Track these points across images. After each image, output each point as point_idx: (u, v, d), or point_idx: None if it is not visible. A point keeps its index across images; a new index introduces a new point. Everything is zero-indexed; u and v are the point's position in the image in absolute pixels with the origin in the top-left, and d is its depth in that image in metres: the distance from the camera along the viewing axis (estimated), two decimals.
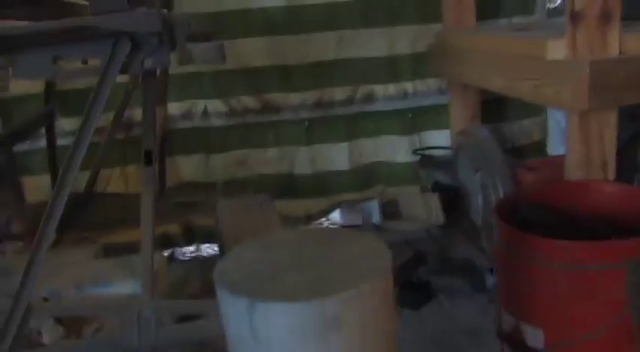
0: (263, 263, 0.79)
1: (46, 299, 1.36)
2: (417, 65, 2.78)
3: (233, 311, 0.68)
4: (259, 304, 0.65)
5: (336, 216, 3.36)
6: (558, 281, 1.42)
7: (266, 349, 0.65)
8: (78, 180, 2.30)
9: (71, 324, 1.69)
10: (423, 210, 2.26)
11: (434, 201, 2.28)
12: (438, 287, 2.26)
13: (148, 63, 1.35)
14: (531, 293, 1.47)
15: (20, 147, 2.43)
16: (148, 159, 1.46)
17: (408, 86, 2.81)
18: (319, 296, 0.65)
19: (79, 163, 1.32)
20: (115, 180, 2.76)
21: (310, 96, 2.77)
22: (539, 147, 3.00)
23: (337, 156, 2.89)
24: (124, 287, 1.58)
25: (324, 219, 3.49)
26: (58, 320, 1.89)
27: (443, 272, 2.29)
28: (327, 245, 0.82)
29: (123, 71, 1.35)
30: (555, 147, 2.89)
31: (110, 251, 1.77)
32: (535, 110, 2.93)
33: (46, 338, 1.82)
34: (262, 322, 0.66)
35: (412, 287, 2.20)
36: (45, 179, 2.42)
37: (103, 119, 2.01)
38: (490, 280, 2.05)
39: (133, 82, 2.22)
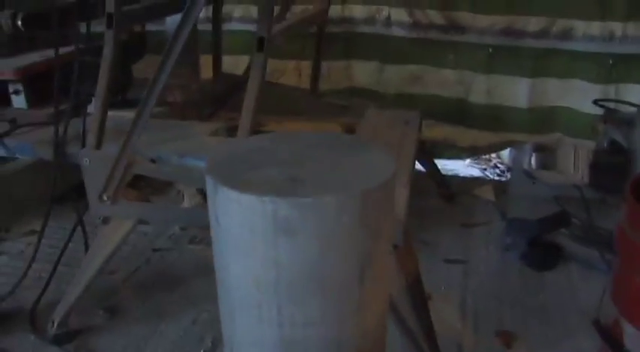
0: (259, 154, 0.91)
1: (153, 161, 1.68)
2: (633, 4, 2.62)
3: (208, 191, 0.85)
4: (220, 188, 0.79)
5: (505, 155, 3.39)
6: None
7: (225, 237, 0.84)
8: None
9: None
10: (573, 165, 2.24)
11: (583, 156, 2.24)
12: (572, 254, 2.26)
13: None
14: None
15: None
16: (260, 46, 1.65)
17: (617, 27, 2.70)
18: (276, 196, 0.75)
19: (181, 44, 1.56)
20: (290, 73, 3.05)
21: (500, 20, 2.82)
22: None
23: (517, 92, 2.93)
24: None
25: (492, 154, 3.53)
26: (200, 191, 2.29)
27: (584, 241, 2.27)
28: (343, 152, 0.91)
29: None
30: None
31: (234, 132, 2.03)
32: None
33: (186, 202, 2.18)
34: (222, 208, 0.81)
35: (542, 247, 2.24)
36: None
37: None
38: None
39: None
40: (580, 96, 2.84)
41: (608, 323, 1.64)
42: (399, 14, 2.92)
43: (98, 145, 1.75)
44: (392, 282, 1.56)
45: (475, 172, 3.55)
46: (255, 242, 0.79)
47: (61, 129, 1.89)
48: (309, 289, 0.82)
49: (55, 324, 1.90)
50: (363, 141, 0.95)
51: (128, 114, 1.74)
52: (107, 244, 1.83)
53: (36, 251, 1.97)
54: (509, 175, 3.28)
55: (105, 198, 1.71)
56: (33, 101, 2.22)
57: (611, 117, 2.61)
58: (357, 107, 2.48)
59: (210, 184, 0.82)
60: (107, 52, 1.76)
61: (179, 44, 1.62)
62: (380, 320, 0.95)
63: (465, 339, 1.90)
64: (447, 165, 3.35)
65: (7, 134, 2.01)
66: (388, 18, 2.96)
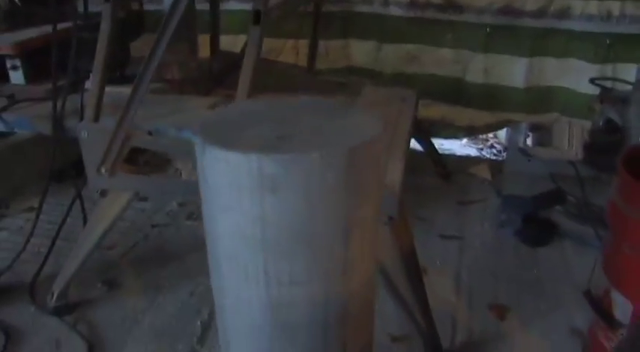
0: (248, 116, 0.93)
1: (150, 133, 1.70)
2: None
3: (197, 151, 0.86)
4: (208, 147, 0.81)
5: (502, 135, 3.39)
6: None
7: (213, 197, 0.85)
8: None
9: None
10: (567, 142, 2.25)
11: (577, 132, 2.24)
12: (566, 231, 2.28)
13: None
14: (635, 259, 1.49)
15: None
16: (257, 19, 1.66)
17: (614, 6, 2.71)
18: (261, 153, 0.77)
19: (177, 19, 1.56)
20: (287, 52, 3.06)
21: (498, 0, 2.74)
22: None
23: (514, 71, 2.94)
24: None
25: (490, 134, 3.54)
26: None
27: (579, 218, 2.28)
28: (331, 115, 0.92)
29: None
30: None
31: None
32: None
33: (184, 175, 2.20)
34: (209, 167, 0.83)
35: (537, 224, 2.25)
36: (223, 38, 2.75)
37: None
38: None
39: None
40: (577, 75, 2.83)
41: (599, 294, 1.66)
42: None
43: (96, 118, 1.75)
44: (387, 254, 1.59)
45: (472, 152, 3.56)
46: (241, 199, 0.80)
47: (59, 105, 1.90)
48: (295, 247, 0.83)
49: (55, 296, 1.92)
50: (351, 106, 0.96)
51: (126, 90, 1.75)
52: (105, 217, 1.84)
53: (34, 226, 1.98)
54: (505, 155, 3.30)
55: (103, 170, 1.72)
56: (31, 77, 2.22)
57: (607, 96, 2.61)
58: (354, 85, 2.48)
59: (199, 144, 0.83)
60: (105, 26, 1.76)
61: (175, 18, 1.62)
62: (367, 283, 0.96)
63: (459, 313, 1.92)
64: (444, 145, 3.36)
65: (5, 109, 2.02)
66: None
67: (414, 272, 1.64)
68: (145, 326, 1.88)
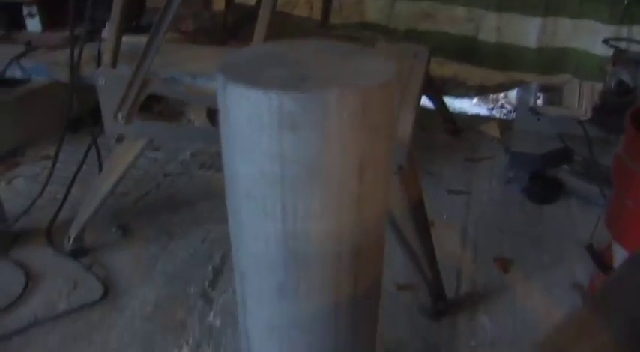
0: (266, 57, 0.95)
1: (166, 80, 1.74)
2: None
3: (218, 89, 0.89)
4: (229, 85, 0.84)
5: (513, 95, 3.40)
6: None
7: (233, 134, 0.89)
8: None
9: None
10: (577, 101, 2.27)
11: (587, 92, 2.26)
12: (573, 190, 2.31)
13: None
14: (637, 213, 1.54)
15: None
16: None
17: None
18: (281, 91, 0.79)
19: None
20: (301, 6, 3.06)
21: None
22: None
23: (527, 31, 2.93)
24: None
25: (500, 94, 3.55)
26: (208, 109, 2.37)
27: (585, 177, 2.32)
28: (347, 57, 0.94)
29: None
30: None
31: None
32: None
33: (197, 124, 2.25)
34: (230, 104, 0.85)
35: (544, 181, 2.29)
36: None
37: None
38: None
39: None
40: (591, 37, 2.83)
41: (601, 248, 1.70)
42: None
43: (114, 65, 1.79)
44: (396, 204, 1.64)
45: (482, 111, 3.57)
46: (261, 136, 0.84)
47: (76, 52, 1.93)
48: (312, 183, 0.87)
49: (71, 240, 1.99)
50: (367, 50, 0.99)
51: (141, 40, 1.78)
52: (120, 163, 1.89)
53: (51, 173, 2.03)
54: (515, 114, 3.32)
55: (120, 116, 1.77)
56: (47, 25, 2.25)
57: (620, 57, 2.61)
58: (368, 39, 2.50)
59: (220, 82, 0.87)
60: None
61: None
62: (379, 221, 1.00)
63: (464, 264, 1.98)
64: (455, 104, 3.38)
65: (23, 55, 2.05)
66: None
67: (422, 222, 1.69)
68: (157, 270, 1.95)
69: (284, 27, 2.26)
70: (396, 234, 1.65)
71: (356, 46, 0.99)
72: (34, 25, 2.24)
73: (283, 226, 0.92)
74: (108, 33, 1.85)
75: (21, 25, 2.26)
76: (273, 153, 0.85)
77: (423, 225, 1.70)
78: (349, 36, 2.56)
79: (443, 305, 1.76)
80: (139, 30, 2.20)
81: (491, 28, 2.96)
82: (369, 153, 0.88)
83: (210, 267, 1.95)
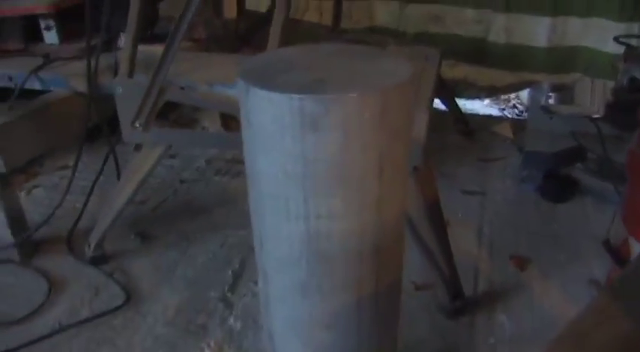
0: (286, 62, 1.00)
1: (182, 88, 1.76)
2: None
3: (240, 94, 0.93)
4: (252, 89, 0.87)
5: (524, 95, 3.41)
6: None
7: (255, 136, 0.92)
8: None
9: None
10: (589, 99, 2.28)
11: (599, 90, 2.27)
12: (587, 188, 2.32)
13: None
14: None
15: None
16: None
17: None
18: (303, 93, 0.83)
19: None
20: (311, 12, 3.09)
21: None
22: None
23: (536, 31, 2.94)
24: None
25: (511, 95, 3.56)
26: (222, 116, 2.40)
27: (599, 175, 2.33)
28: (364, 59, 0.99)
29: None
30: None
31: None
32: None
33: (212, 127, 2.26)
34: (253, 107, 0.89)
35: (558, 180, 2.29)
36: None
37: None
38: None
39: None
40: (601, 35, 2.83)
41: (617, 244, 1.71)
42: None
43: (130, 74, 1.82)
44: (412, 204, 1.66)
45: (494, 112, 3.59)
46: (283, 138, 0.87)
47: (93, 62, 1.97)
48: (333, 183, 0.90)
49: (92, 247, 2.02)
50: (381, 51, 1.02)
51: (156, 49, 1.81)
52: (138, 170, 1.92)
53: (70, 183, 2.06)
54: (527, 114, 3.33)
55: (137, 124, 1.80)
56: (64, 37, 2.29)
57: (631, 54, 2.62)
58: (378, 43, 2.52)
59: (242, 87, 0.90)
60: None
61: None
62: (398, 220, 1.03)
63: (480, 263, 2.00)
64: (466, 105, 3.40)
65: (41, 68, 2.09)
66: None
67: (438, 222, 1.71)
68: (177, 276, 1.98)
69: (295, 33, 2.29)
70: (413, 234, 1.67)
71: (369, 49, 1.02)
72: (51, 37, 2.28)
73: (306, 225, 0.94)
74: (124, 42, 1.88)
75: (38, 38, 2.30)
76: (296, 154, 0.88)
77: (439, 225, 1.72)
78: (360, 40, 2.59)
79: (461, 303, 1.78)
80: (153, 39, 2.23)
81: (501, 28, 2.98)
82: (388, 153, 0.91)
83: (230, 272, 1.98)
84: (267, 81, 0.88)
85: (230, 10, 2.68)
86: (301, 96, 0.83)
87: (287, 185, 0.91)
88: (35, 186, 2.54)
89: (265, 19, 2.34)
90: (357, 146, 0.87)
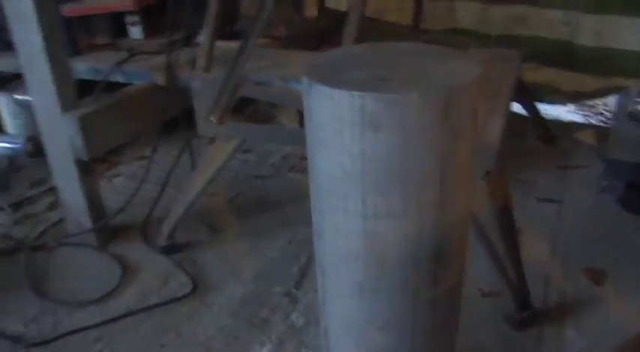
0: (352, 59, 0.99)
1: (257, 84, 1.79)
2: None
3: (304, 90, 0.93)
4: (314, 85, 0.87)
5: (612, 101, 3.28)
6: None
7: (317, 132, 0.92)
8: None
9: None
10: None
11: None
12: None
13: None
14: None
15: None
16: None
17: None
18: (364, 91, 0.81)
19: None
20: (391, 12, 3.07)
21: None
22: None
23: (628, 34, 2.80)
24: None
25: (598, 101, 3.42)
26: (299, 113, 2.44)
27: None
28: (430, 58, 0.96)
29: None
30: None
31: None
32: None
33: (288, 124, 2.30)
34: (315, 104, 0.89)
35: None
36: None
37: None
38: None
39: None
40: None
41: None
42: None
43: (208, 69, 1.87)
44: (483, 209, 1.62)
45: (577, 118, 3.45)
46: (344, 136, 0.86)
47: (173, 57, 2.03)
48: (392, 182, 0.89)
49: (164, 236, 2.09)
50: (449, 52, 1.00)
51: (234, 45, 1.85)
52: (212, 163, 1.97)
53: (146, 173, 2.14)
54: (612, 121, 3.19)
55: (212, 118, 1.84)
56: (148, 32, 2.38)
57: None
58: (459, 44, 2.49)
59: (305, 83, 0.90)
60: None
61: None
62: (461, 225, 1.00)
63: (552, 273, 1.93)
64: (548, 110, 3.29)
65: (124, 61, 2.19)
66: None
67: (508, 228, 1.66)
68: (245, 269, 2.01)
69: (374, 32, 2.28)
70: (482, 240, 1.63)
71: (442, 49, 1.00)
72: (136, 32, 2.37)
73: (364, 224, 0.94)
74: (202, 38, 1.94)
75: (125, 33, 2.40)
76: (355, 152, 0.88)
77: (509, 231, 1.67)
78: (440, 40, 2.55)
79: (528, 314, 1.73)
80: (232, 36, 2.29)
81: (590, 31, 2.87)
82: (451, 155, 0.89)
83: (297, 268, 1.99)
84: (330, 77, 0.88)
85: (310, 9, 2.71)
86: (362, 93, 0.82)
87: (345, 183, 0.91)
88: (116, 175, 2.65)
89: (346, 17, 2.34)
90: (417, 146, 0.86)
